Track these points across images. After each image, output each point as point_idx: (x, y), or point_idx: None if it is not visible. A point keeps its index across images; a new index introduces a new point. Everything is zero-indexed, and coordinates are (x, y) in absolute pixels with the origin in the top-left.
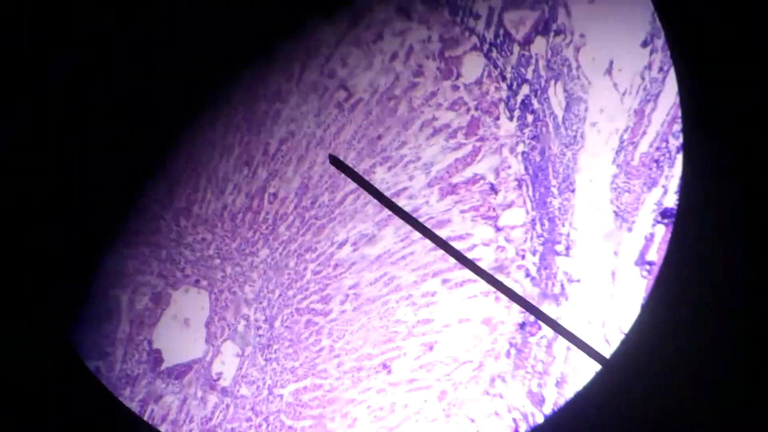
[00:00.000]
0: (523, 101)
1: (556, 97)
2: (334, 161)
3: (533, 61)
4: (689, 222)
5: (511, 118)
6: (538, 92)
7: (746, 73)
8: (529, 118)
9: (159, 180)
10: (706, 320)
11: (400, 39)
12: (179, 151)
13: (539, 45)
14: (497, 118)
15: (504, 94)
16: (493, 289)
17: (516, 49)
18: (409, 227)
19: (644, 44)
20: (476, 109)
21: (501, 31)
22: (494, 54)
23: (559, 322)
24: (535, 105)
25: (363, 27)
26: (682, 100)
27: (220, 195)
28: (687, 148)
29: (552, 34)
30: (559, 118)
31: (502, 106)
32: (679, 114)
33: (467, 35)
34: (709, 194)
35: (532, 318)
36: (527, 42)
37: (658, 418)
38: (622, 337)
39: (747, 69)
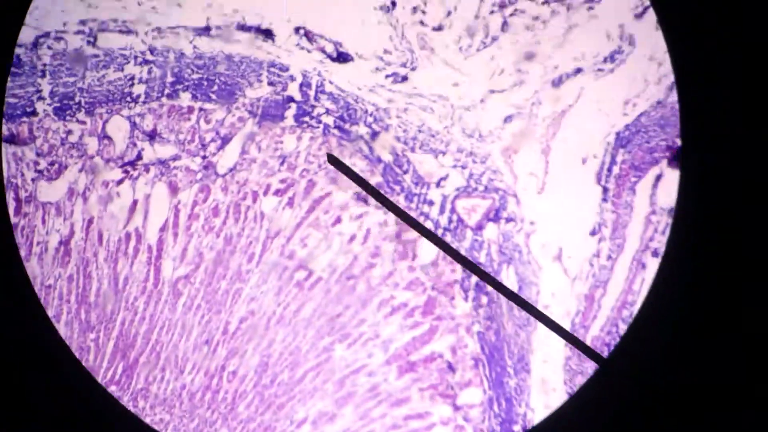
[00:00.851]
0: (477, 283)
1: (509, 279)
2: (332, 160)
3: (486, 245)
4: (689, 224)
5: (466, 299)
6: (492, 275)
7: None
8: (484, 299)
9: (118, 360)
10: (703, 322)
11: (357, 222)
12: (138, 331)
13: (491, 231)
14: (453, 298)
15: (458, 275)
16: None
17: (469, 234)
18: (369, 405)
19: (592, 233)
20: (432, 289)
21: (454, 217)
22: (448, 238)
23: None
24: (489, 287)
25: (322, 211)
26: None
27: (179, 374)
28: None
29: (503, 221)
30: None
31: (457, 287)
32: (628, 299)
33: (422, 220)
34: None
35: None
36: (479, 228)
37: (653, 418)
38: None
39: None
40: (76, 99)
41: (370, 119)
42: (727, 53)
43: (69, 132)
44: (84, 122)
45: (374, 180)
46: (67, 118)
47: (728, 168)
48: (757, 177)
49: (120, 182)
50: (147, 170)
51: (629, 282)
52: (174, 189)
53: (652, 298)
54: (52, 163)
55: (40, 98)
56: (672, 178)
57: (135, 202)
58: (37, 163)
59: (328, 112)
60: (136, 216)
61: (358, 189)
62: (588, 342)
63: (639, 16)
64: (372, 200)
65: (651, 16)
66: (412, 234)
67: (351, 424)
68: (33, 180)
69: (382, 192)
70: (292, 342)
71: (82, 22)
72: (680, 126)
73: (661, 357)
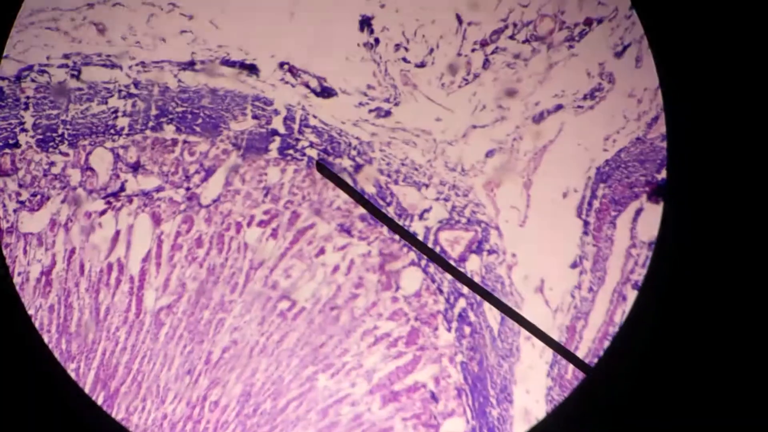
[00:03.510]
0: (460, 314)
1: (492, 311)
2: (321, 168)
3: (469, 276)
4: (675, 233)
5: (449, 330)
6: (474, 306)
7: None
8: (467, 330)
9: (99, 390)
10: (689, 330)
11: (341, 253)
12: (120, 361)
13: (474, 263)
14: (436, 329)
15: (442, 306)
16: None
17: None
18: None
19: (573, 266)
20: (416, 319)
21: (437, 249)
22: (431, 269)
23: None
24: (472, 318)
25: (305, 242)
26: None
27: (160, 404)
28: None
29: (485, 253)
30: (495, 331)
31: (440, 317)
32: (609, 331)
33: (405, 251)
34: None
35: None
36: (462, 260)
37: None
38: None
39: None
40: (60, 131)
41: (353, 152)
42: (716, 87)
43: (52, 164)
44: (67, 154)
45: (358, 212)
46: (50, 150)
47: (713, 201)
48: (741, 209)
49: (103, 213)
50: (130, 201)
51: (610, 314)
52: (157, 220)
53: (638, 306)
54: (34, 195)
55: (23, 130)
56: (652, 212)
57: (117, 233)
58: (19, 194)
59: (312, 145)
60: (119, 246)
61: (342, 220)
62: (569, 375)
63: (619, 54)
64: (355, 231)
65: (631, 54)
66: (396, 265)
67: None
68: (15, 211)
69: (372, 203)
70: (275, 371)
71: (66, 56)
72: (667, 159)
73: (645, 367)
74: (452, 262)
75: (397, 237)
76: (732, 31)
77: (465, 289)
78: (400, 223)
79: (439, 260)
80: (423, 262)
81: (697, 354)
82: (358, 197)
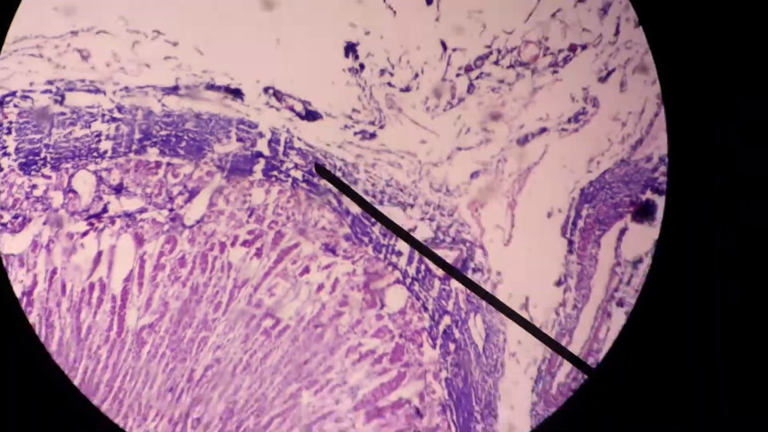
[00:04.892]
0: (445, 331)
1: (476, 328)
2: (319, 170)
3: (453, 294)
4: (676, 237)
5: (434, 346)
6: (459, 323)
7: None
8: (451, 346)
9: (81, 408)
10: (690, 332)
11: (326, 272)
12: (101, 379)
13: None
14: (421, 346)
15: (426, 323)
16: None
17: (437, 283)
18: None
19: (558, 284)
20: (400, 336)
21: (422, 267)
22: (416, 287)
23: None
24: (457, 335)
25: (290, 261)
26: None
27: (142, 422)
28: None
29: (471, 271)
30: (480, 348)
31: (425, 334)
32: (594, 347)
33: (390, 269)
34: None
35: None
36: (447, 278)
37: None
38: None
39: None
40: (42, 155)
41: (338, 173)
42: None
43: (34, 186)
44: (49, 177)
45: (342, 231)
46: (33, 173)
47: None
48: (743, 209)
49: (85, 234)
50: (113, 222)
51: (595, 330)
52: (140, 240)
53: (639, 311)
54: (15, 217)
55: (6, 154)
56: (636, 231)
57: (100, 254)
58: (0, 217)
59: (296, 166)
60: (101, 267)
61: (327, 240)
62: (553, 390)
63: (603, 79)
64: (340, 251)
65: (615, 78)
66: (381, 283)
67: None
68: None
69: (372, 206)
70: (259, 389)
71: (50, 82)
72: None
73: (647, 367)
74: (437, 281)
75: (381, 256)
76: (734, 37)
77: (450, 306)
78: (385, 242)
79: (442, 264)
80: (408, 281)
81: (698, 355)
82: (359, 199)
